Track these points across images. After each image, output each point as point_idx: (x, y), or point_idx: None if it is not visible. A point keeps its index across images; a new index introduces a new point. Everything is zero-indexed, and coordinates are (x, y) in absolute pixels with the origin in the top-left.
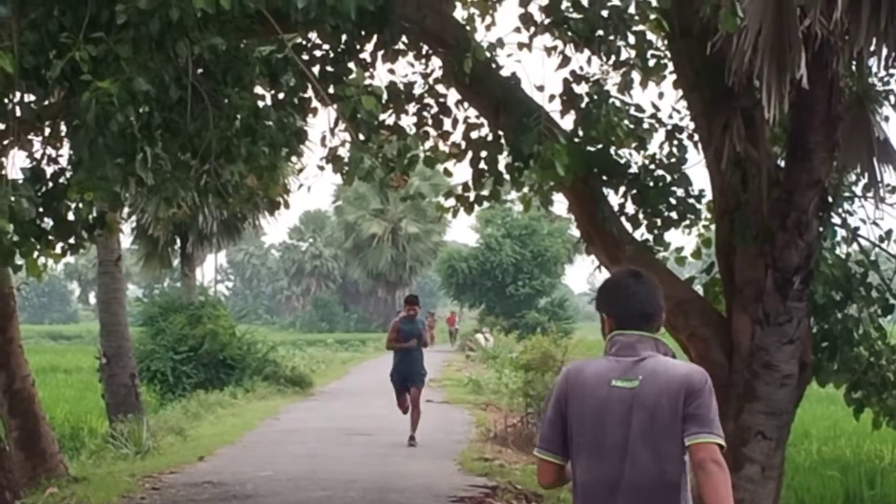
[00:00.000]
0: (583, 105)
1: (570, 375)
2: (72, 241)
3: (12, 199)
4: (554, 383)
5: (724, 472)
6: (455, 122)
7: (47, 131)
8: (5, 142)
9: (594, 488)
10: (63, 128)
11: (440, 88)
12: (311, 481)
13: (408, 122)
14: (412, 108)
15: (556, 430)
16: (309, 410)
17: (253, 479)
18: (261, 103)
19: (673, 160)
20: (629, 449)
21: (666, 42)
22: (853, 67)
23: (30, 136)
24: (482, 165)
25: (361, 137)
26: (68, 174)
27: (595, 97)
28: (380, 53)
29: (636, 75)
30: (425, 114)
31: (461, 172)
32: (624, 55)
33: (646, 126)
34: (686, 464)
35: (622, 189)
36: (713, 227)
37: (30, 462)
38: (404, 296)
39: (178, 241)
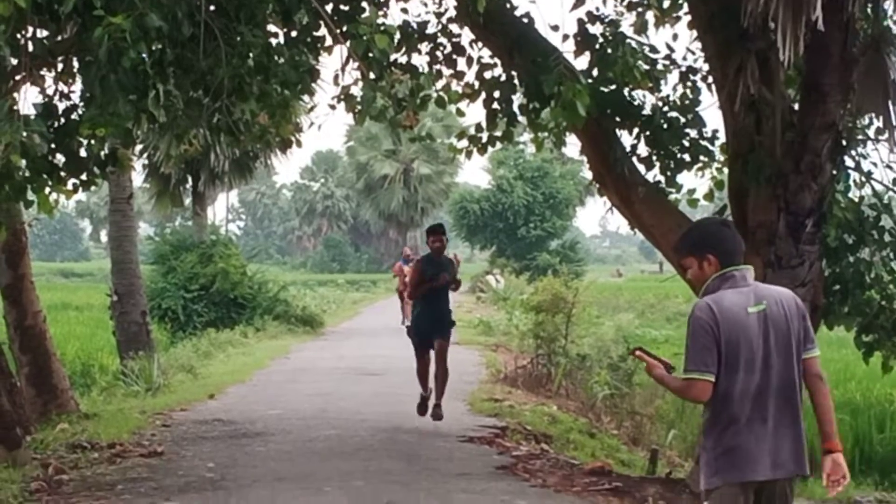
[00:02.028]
0: (598, 46)
1: (714, 308)
2: (84, 177)
3: (24, 134)
4: (698, 317)
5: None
6: (469, 62)
7: (59, 67)
8: (17, 77)
9: (749, 395)
10: (75, 63)
11: (454, 28)
12: (322, 420)
13: (420, 61)
14: (425, 47)
15: (713, 353)
16: (319, 350)
17: (263, 417)
18: (273, 41)
19: (686, 102)
20: (770, 360)
21: None
22: (868, 10)
23: (42, 72)
24: (495, 106)
25: (373, 76)
26: (80, 110)
27: (610, 38)
28: None
29: (651, 16)
30: (438, 53)
31: (474, 113)
32: None
33: (660, 67)
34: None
35: (635, 130)
36: (726, 169)
37: (41, 398)
38: (407, 240)
39: (190, 179)
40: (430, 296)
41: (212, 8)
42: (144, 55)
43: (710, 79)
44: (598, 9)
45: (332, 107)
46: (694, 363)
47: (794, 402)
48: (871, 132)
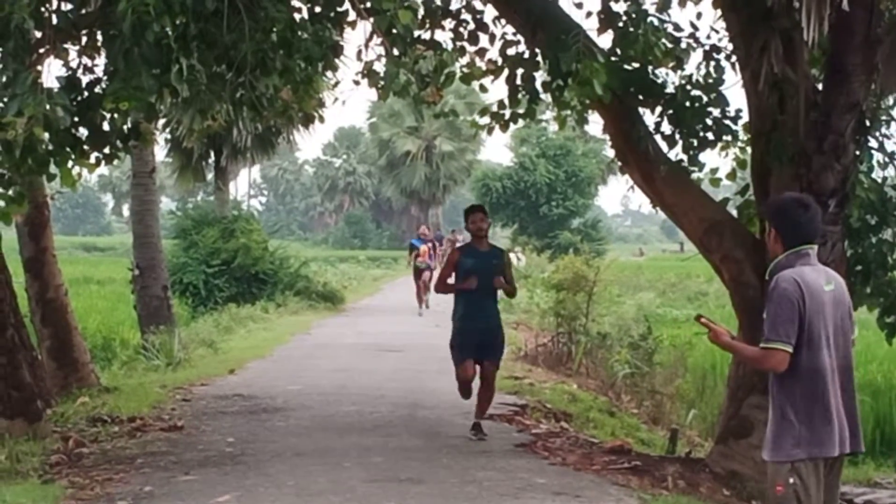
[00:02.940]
0: (621, 24)
1: (800, 283)
2: (106, 150)
3: (48, 107)
4: (785, 289)
5: None
6: (492, 39)
7: (83, 40)
8: (41, 50)
9: (822, 371)
10: (99, 37)
11: (477, 4)
12: (341, 396)
13: (444, 37)
14: (449, 23)
15: (795, 326)
16: (340, 326)
17: (283, 392)
18: (297, 16)
19: (710, 80)
20: (839, 339)
21: None
22: None
23: (66, 45)
24: (518, 83)
25: (397, 52)
26: (104, 84)
27: (633, 16)
28: None
29: None
30: (462, 30)
31: (497, 90)
32: None
33: (683, 46)
34: None
35: (658, 109)
36: (749, 148)
37: (61, 371)
38: (429, 217)
39: (213, 154)
40: (474, 299)
41: None
42: (168, 29)
43: (734, 58)
44: None
45: (356, 82)
46: (776, 333)
47: (853, 380)
48: (895, 113)
